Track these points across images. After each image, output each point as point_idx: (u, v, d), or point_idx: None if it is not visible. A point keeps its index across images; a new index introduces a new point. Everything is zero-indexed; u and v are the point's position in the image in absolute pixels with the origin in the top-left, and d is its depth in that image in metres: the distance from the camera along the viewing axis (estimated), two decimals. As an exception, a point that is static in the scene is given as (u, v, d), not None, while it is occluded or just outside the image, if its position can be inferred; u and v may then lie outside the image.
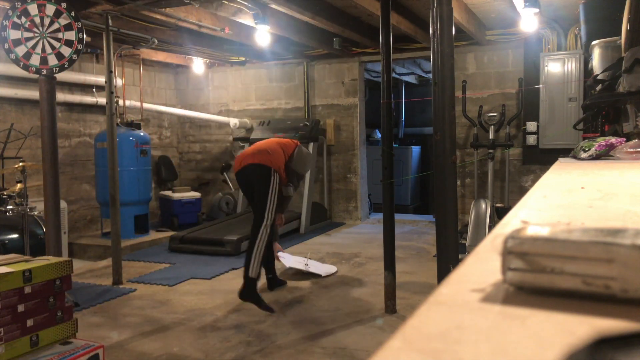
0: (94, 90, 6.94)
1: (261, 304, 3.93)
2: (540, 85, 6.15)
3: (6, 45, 3.68)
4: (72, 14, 3.76)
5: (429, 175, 7.92)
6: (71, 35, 3.75)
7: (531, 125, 6.41)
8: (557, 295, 0.43)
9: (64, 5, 3.74)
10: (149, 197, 6.78)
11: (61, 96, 6.28)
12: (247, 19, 5.25)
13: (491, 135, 6.16)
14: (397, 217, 4.62)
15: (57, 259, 2.76)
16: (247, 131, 7.87)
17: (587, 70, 4.99)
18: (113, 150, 4.76)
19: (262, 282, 4.54)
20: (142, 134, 6.68)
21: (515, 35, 6.38)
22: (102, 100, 6.30)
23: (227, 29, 5.72)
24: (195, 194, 7.55)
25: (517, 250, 0.44)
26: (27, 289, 2.49)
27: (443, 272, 2.70)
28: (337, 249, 5.98)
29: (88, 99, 6.89)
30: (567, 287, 0.42)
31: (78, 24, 3.77)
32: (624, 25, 2.43)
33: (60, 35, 3.74)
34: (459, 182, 6.80)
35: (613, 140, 2.11)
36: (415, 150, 9.71)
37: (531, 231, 0.46)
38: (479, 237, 4.97)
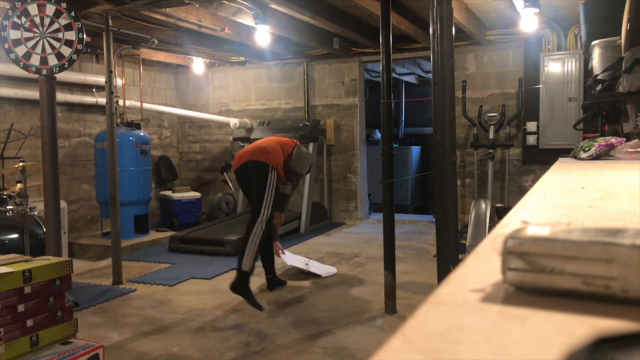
0: (94, 90, 6.94)
1: (250, 300, 3.95)
2: (540, 85, 6.15)
3: (6, 45, 3.68)
4: (72, 14, 3.76)
5: (429, 175, 7.92)
6: (71, 35, 3.75)
7: (531, 125, 6.41)
8: (557, 295, 0.43)
9: (64, 5, 3.74)
10: (149, 197, 6.78)
11: (61, 96, 6.28)
12: (247, 19, 5.25)
13: (491, 135, 6.16)
14: (397, 217, 4.62)
15: (57, 259, 2.77)
16: (247, 131, 7.87)
17: (587, 70, 4.99)
18: (113, 150, 4.76)
19: (262, 282, 4.55)
20: (142, 134, 6.68)
21: (515, 35, 6.38)
22: (102, 100, 6.30)
23: (227, 29, 5.72)
24: (195, 194, 7.56)
25: (517, 250, 0.44)
26: (27, 289, 2.49)
27: (443, 272, 2.70)
28: (337, 249, 5.98)
29: (88, 99, 6.89)
30: (567, 287, 0.42)
31: (78, 24, 3.77)
32: (624, 25, 2.43)
33: (60, 35, 3.74)
34: (459, 182, 6.80)
35: (613, 140, 2.11)
36: (415, 150, 9.71)
37: (531, 231, 0.46)
38: (479, 237, 4.97)
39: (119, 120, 6.25)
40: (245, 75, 8.22)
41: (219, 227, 6.45)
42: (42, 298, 2.56)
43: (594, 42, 3.06)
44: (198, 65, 7.98)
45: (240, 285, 3.99)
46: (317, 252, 5.72)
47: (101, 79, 6.10)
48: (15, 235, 4.51)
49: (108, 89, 4.69)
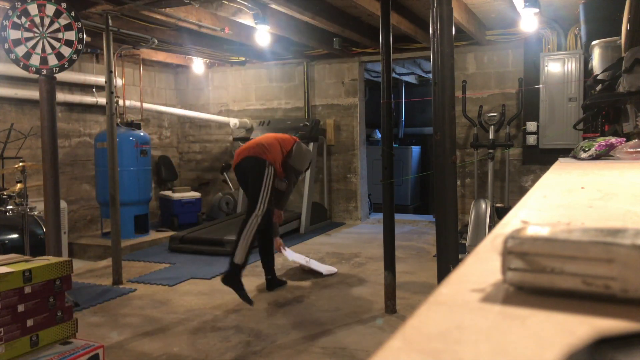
0: (94, 90, 6.94)
1: (240, 293, 3.99)
2: (540, 85, 6.15)
3: (6, 45, 3.68)
4: (72, 14, 3.76)
5: (429, 175, 7.92)
6: (71, 35, 3.75)
7: (531, 125, 6.41)
8: (557, 295, 0.43)
9: (64, 5, 3.74)
10: (149, 197, 6.78)
11: (61, 96, 6.28)
12: (247, 19, 5.25)
13: (491, 135, 6.16)
14: (397, 217, 4.62)
15: (57, 259, 2.77)
16: (247, 131, 7.87)
17: (587, 70, 4.99)
18: (113, 150, 4.76)
19: (261, 282, 4.55)
20: (142, 134, 6.68)
21: (515, 35, 6.38)
22: (102, 100, 6.30)
23: (227, 29, 5.72)
24: (195, 194, 7.56)
25: (517, 250, 0.44)
26: (27, 289, 2.49)
27: (443, 272, 2.70)
28: (337, 249, 5.98)
29: (88, 99, 6.89)
30: (567, 287, 0.42)
31: (78, 24, 3.77)
32: (624, 25, 2.43)
33: (60, 35, 3.74)
34: (459, 182, 6.80)
35: (613, 140, 2.11)
36: (415, 150, 9.71)
37: (531, 231, 0.46)
38: (479, 237, 4.97)
39: (119, 120, 6.25)
40: (245, 75, 8.22)
41: (219, 227, 6.45)
42: (42, 298, 2.56)
43: (594, 42, 3.06)
44: (198, 65, 7.98)
45: (231, 278, 4.04)
46: (317, 252, 5.72)
47: (101, 79, 6.10)
48: (15, 235, 4.51)
49: (108, 89, 4.69)
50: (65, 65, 3.75)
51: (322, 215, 7.49)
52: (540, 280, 0.43)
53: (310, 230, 7.01)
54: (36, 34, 3.71)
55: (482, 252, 0.58)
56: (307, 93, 7.76)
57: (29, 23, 3.70)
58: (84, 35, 3.79)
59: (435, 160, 2.78)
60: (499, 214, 5.70)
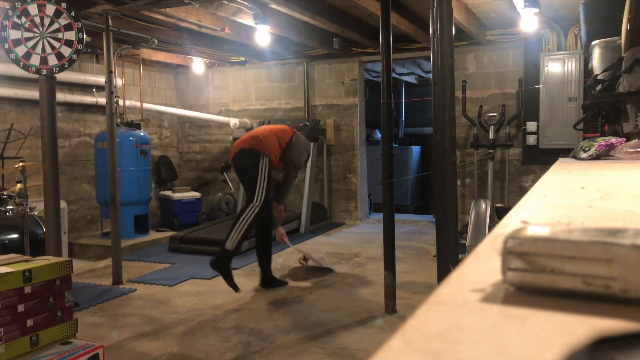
0: (94, 90, 6.94)
1: (227, 279, 4.07)
2: (540, 85, 6.15)
3: (6, 45, 3.68)
4: (72, 14, 3.76)
5: (429, 175, 7.92)
6: (71, 35, 3.75)
7: (531, 125, 6.41)
8: (557, 295, 0.43)
9: (64, 5, 3.74)
10: (149, 197, 6.78)
11: (61, 96, 6.28)
12: (247, 19, 5.25)
13: (491, 135, 6.16)
14: (397, 217, 4.62)
15: (57, 259, 2.77)
16: (247, 131, 7.86)
17: (587, 70, 4.99)
18: (113, 150, 4.76)
19: (256, 278, 4.55)
20: (142, 134, 6.68)
21: (515, 35, 6.38)
22: (102, 100, 6.30)
23: (227, 29, 5.72)
24: (195, 194, 7.56)
25: (517, 250, 0.44)
26: (27, 289, 2.49)
27: (443, 272, 2.70)
28: (337, 249, 5.98)
29: (88, 99, 6.89)
30: (567, 287, 0.42)
31: (78, 24, 3.77)
32: (624, 25, 2.43)
33: (60, 35, 3.74)
34: (459, 182, 6.80)
35: (613, 140, 2.11)
36: (415, 150, 9.71)
37: (531, 231, 0.46)
38: (479, 237, 4.97)
39: (119, 120, 6.25)
40: (245, 75, 8.22)
41: (219, 227, 6.45)
42: (42, 298, 2.56)
43: (594, 42, 3.06)
44: (198, 65, 7.98)
45: (220, 263, 4.10)
46: (317, 252, 5.72)
47: (101, 79, 6.10)
48: (15, 235, 4.51)
49: (108, 89, 4.69)
50: (65, 65, 3.75)
51: (322, 215, 7.49)
52: (540, 280, 0.43)
53: (310, 230, 7.01)
54: (36, 34, 3.71)
55: (482, 252, 0.58)
56: (307, 93, 7.76)
57: (29, 23, 3.70)
58: (84, 35, 3.79)
59: (435, 160, 2.78)
60: (499, 214, 5.70)
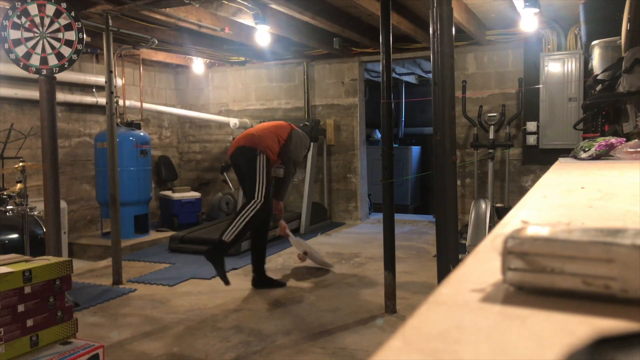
0: (94, 90, 6.94)
1: (219, 270, 4.08)
2: (540, 85, 6.15)
3: (6, 45, 3.68)
4: (72, 14, 3.76)
5: (429, 175, 7.92)
6: (71, 35, 3.75)
7: (531, 125, 6.41)
8: (557, 295, 0.43)
9: (64, 5, 3.74)
10: (149, 197, 6.78)
11: (61, 96, 6.28)
12: (247, 19, 5.25)
13: (491, 135, 6.16)
14: (397, 217, 4.62)
15: (57, 259, 2.76)
16: (246, 131, 7.87)
17: (587, 70, 4.99)
18: (113, 150, 4.76)
19: (248, 276, 4.55)
20: (142, 134, 6.68)
21: (515, 35, 6.38)
22: (102, 100, 6.30)
23: (227, 29, 5.72)
24: (195, 194, 7.56)
25: (517, 250, 0.44)
26: (27, 289, 2.49)
27: (443, 272, 2.70)
28: (337, 249, 5.98)
29: (88, 99, 6.89)
30: (567, 287, 0.42)
31: (78, 24, 3.77)
32: (624, 25, 2.43)
33: (60, 35, 3.74)
34: (459, 182, 6.80)
35: (613, 140, 2.11)
36: (415, 150, 9.71)
37: (531, 231, 0.46)
38: (479, 237, 4.97)
39: (119, 120, 6.25)
40: (245, 75, 8.22)
41: (219, 227, 6.43)
42: (42, 298, 2.56)
43: (594, 42, 3.06)
44: (198, 65, 7.98)
45: (213, 253, 4.12)
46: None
47: (101, 79, 6.10)
48: (15, 235, 4.51)
49: (108, 89, 4.69)
50: (65, 65, 3.75)
51: (322, 215, 7.49)
52: (540, 280, 0.43)
53: (310, 230, 7.01)
54: (36, 34, 3.71)
55: (482, 252, 0.58)
56: (307, 93, 7.76)
57: (29, 23, 3.70)
58: (84, 35, 3.79)
59: (435, 160, 2.78)
60: (499, 214, 5.70)
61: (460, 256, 2.89)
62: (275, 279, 4.63)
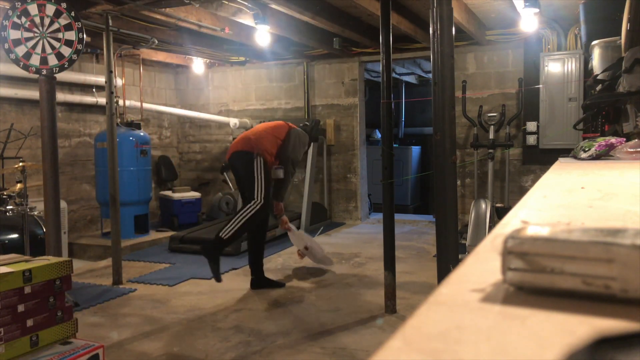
0: (94, 90, 6.94)
1: (213, 265, 4.10)
2: (540, 85, 6.15)
3: (6, 45, 3.68)
4: (72, 14, 3.76)
5: (429, 175, 7.92)
6: (71, 35, 3.75)
7: (531, 125, 6.41)
8: (557, 295, 0.43)
9: (64, 5, 3.74)
10: (149, 197, 6.78)
11: (61, 96, 6.28)
12: (247, 19, 5.25)
13: (491, 135, 6.16)
14: (397, 217, 4.62)
15: (57, 259, 2.76)
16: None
17: (587, 70, 4.99)
18: (113, 150, 4.76)
19: (247, 278, 4.55)
20: (142, 134, 6.68)
21: (515, 35, 6.38)
22: (102, 100, 6.30)
23: (227, 29, 5.72)
24: (195, 194, 7.56)
25: (517, 250, 0.44)
26: (27, 289, 2.49)
27: (443, 272, 2.70)
28: (337, 249, 5.98)
29: (88, 99, 6.89)
30: (567, 287, 0.42)
31: (78, 24, 3.77)
32: (624, 25, 2.43)
33: (60, 35, 3.74)
34: (459, 182, 6.80)
35: (613, 140, 2.11)
36: (415, 150, 9.71)
37: (531, 231, 0.46)
38: (479, 237, 4.97)
39: (119, 120, 6.25)
40: (245, 75, 8.22)
41: (219, 227, 6.43)
42: (42, 298, 2.56)
43: (594, 42, 3.06)
44: (198, 65, 7.98)
45: (210, 249, 4.13)
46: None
47: (101, 79, 6.10)
48: (15, 235, 4.51)
49: (108, 89, 4.69)
50: (65, 65, 3.75)
51: (322, 215, 7.49)
52: (540, 280, 0.43)
53: (310, 230, 7.01)
54: (36, 34, 3.71)
55: (482, 252, 0.58)
56: (307, 93, 7.76)
57: (29, 23, 3.70)
58: (84, 35, 3.79)
59: (435, 160, 2.78)
60: (499, 214, 5.70)
61: (460, 256, 2.89)
62: (275, 279, 4.62)
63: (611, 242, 0.41)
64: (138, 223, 6.56)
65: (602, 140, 2.14)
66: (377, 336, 3.40)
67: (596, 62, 3.02)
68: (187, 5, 4.84)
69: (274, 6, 4.96)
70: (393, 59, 4.02)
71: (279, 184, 4.46)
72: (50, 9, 3.73)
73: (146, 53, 7.17)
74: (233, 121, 7.81)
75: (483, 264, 0.54)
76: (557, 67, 6.07)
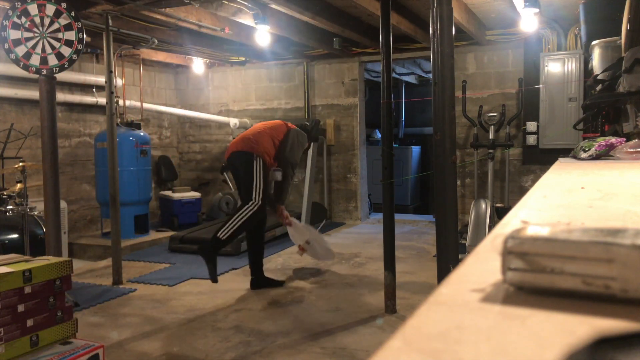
0: (94, 90, 6.94)
1: (210, 266, 4.11)
2: (540, 85, 6.15)
3: (6, 45, 3.68)
4: (72, 14, 3.76)
5: (429, 175, 7.92)
6: (71, 35, 3.75)
7: (531, 125, 6.41)
8: (557, 295, 0.43)
9: (64, 5, 3.74)
10: (149, 197, 6.78)
11: (61, 96, 6.28)
12: (247, 19, 5.25)
13: (491, 135, 6.16)
14: (397, 217, 4.62)
15: (57, 259, 2.76)
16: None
17: (587, 70, 4.99)
18: (113, 150, 4.76)
19: (247, 278, 4.55)
20: (142, 134, 6.68)
21: (515, 35, 6.38)
22: (102, 100, 6.30)
23: (227, 29, 5.72)
24: (195, 194, 7.56)
25: (517, 250, 0.44)
26: (27, 289, 2.49)
27: (443, 272, 2.70)
28: (337, 249, 5.97)
29: (88, 99, 6.89)
30: (567, 287, 0.42)
31: (78, 24, 3.77)
32: (624, 25, 2.43)
33: (60, 35, 3.74)
34: (459, 182, 6.80)
35: (613, 140, 2.11)
36: (415, 150, 9.71)
37: (531, 231, 0.46)
38: (479, 237, 4.97)
39: (119, 120, 6.25)
40: (245, 75, 8.22)
41: (217, 227, 6.44)
42: (42, 298, 2.56)
43: (594, 42, 3.06)
44: (198, 65, 7.98)
45: (207, 249, 4.13)
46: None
47: (101, 79, 6.10)
48: (15, 235, 4.51)
49: (108, 89, 4.69)
50: (65, 65, 3.75)
51: (322, 215, 7.49)
52: (540, 280, 0.43)
53: (310, 230, 7.01)
54: (36, 34, 3.71)
55: (482, 252, 0.58)
56: (307, 93, 7.76)
57: (29, 23, 3.70)
58: (84, 35, 3.79)
59: (435, 160, 2.78)
60: (499, 214, 5.70)
61: (460, 256, 2.89)
62: (274, 278, 4.62)
63: (611, 242, 0.41)
64: (138, 223, 6.56)
65: (602, 140, 2.14)
66: (377, 336, 3.40)
67: (596, 62, 3.02)
68: (187, 5, 4.84)
69: (274, 6, 4.96)
70: (393, 59, 4.02)
71: (280, 186, 4.45)
72: (50, 9, 3.73)
73: (146, 53, 7.17)
74: (233, 121, 7.81)
75: (483, 264, 0.54)
76: (557, 67, 6.07)
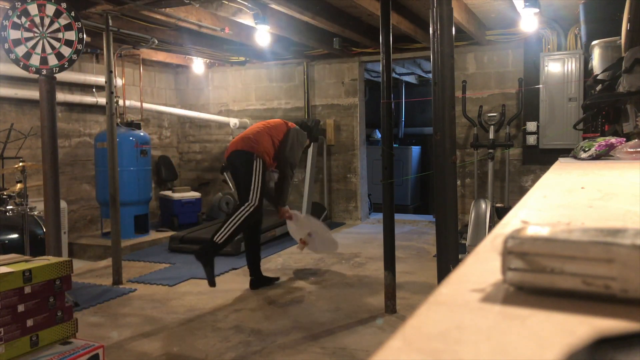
0: (94, 90, 6.94)
1: (208, 270, 4.09)
2: (540, 85, 6.15)
3: (6, 45, 3.68)
4: (72, 14, 3.76)
5: (429, 175, 7.92)
6: (71, 35, 3.75)
7: (531, 125, 6.41)
8: (557, 295, 0.43)
9: (64, 5, 3.74)
10: (149, 197, 6.78)
11: (61, 96, 6.28)
12: (247, 19, 5.25)
13: (491, 135, 6.16)
14: (397, 217, 4.61)
15: (57, 259, 2.76)
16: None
17: (587, 70, 4.99)
18: (113, 150, 4.76)
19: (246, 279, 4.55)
20: (142, 134, 6.68)
21: (515, 35, 6.38)
22: (102, 100, 6.30)
23: (227, 29, 5.72)
24: (195, 194, 7.56)
25: (517, 250, 0.44)
26: (27, 289, 2.49)
27: (443, 272, 2.70)
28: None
29: (88, 99, 6.89)
30: (567, 287, 0.42)
31: (78, 24, 3.77)
32: (624, 25, 2.43)
33: (60, 35, 3.74)
34: (459, 182, 6.80)
35: (613, 140, 2.11)
36: (415, 150, 9.71)
37: (531, 231, 0.46)
38: (479, 237, 4.97)
39: (119, 120, 6.25)
40: (245, 75, 8.22)
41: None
42: (42, 298, 2.56)
43: (594, 42, 3.06)
44: (198, 65, 7.98)
45: (204, 253, 4.11)
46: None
47: (101, 79, 6.10)
48: (15, 235, 4.51)
49: (108, 89, 4.69)
50: (65, 65, 3.75)
51: (322, 215, 7.48)
52: (540, 280, 0.43)
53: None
54: (36, 34, 3.71)
55: (482, 252, 0.58)
56: (307, 93, 7.76)
57: (29, 23, 3.70)
58: (84, 35, 3.79)
59: (435, 160, 2.77)
60: (499, 214, 5.70)
61: (460, 256, 2.89)
62: (271, 276, 4.63)
63: (611, 242, 0.41)
64: (138, 223, 6.56)
65: (602, 140, 2.14)
66: (377, 336, 3.40)
67: (596, 62, 3.02)
68: (187, 5, 4.84)
69: (274, 6, 4.96)
70: (393, 59, 4.02)
71: (280, 187, 4.44)
72: (50, 9, 3.73)
73: (146, 53, 7.17)
74: (233, 121, 7.81)
75: (483, 264, 0.54)
76: (557, 67, 6.07)
